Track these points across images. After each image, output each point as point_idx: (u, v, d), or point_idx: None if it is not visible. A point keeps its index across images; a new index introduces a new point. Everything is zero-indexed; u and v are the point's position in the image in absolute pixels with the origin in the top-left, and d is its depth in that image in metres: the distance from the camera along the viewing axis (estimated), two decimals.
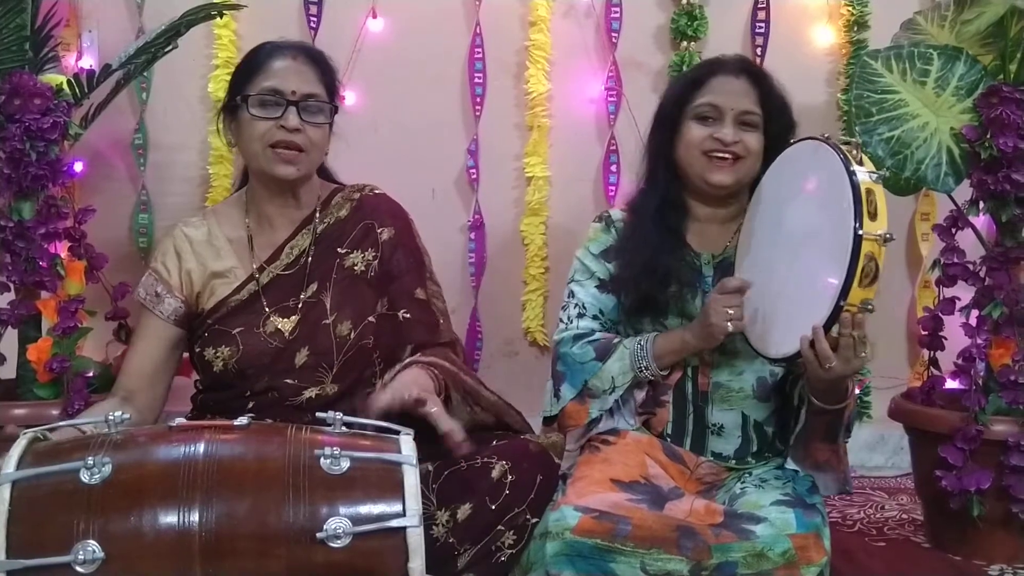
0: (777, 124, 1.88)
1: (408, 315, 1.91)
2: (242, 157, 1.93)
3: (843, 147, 1.64)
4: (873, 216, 1.56)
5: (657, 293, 1.87)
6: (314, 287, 1.88)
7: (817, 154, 1.69)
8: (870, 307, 1.57)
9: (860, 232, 1.54)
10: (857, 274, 1.54)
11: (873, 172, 1.61)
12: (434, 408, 1.69)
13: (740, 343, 1.83)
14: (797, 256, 1.72)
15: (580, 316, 1.94)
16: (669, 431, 1.89)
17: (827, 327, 1.59)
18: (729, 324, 1.74)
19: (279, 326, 1.85)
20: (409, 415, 1.70)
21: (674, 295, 1.87)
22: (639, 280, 1.88)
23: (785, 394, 1.87)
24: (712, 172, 1.87)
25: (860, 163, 1.61)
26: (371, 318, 1.89)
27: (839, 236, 1.57)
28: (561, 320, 1.96)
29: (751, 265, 1.83)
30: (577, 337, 1.91)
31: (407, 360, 1.84)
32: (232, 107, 1.86)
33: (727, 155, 1.85)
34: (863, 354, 1.62)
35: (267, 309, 1.86)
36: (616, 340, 1.89)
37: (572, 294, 1.96)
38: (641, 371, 1.85)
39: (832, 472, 1.81)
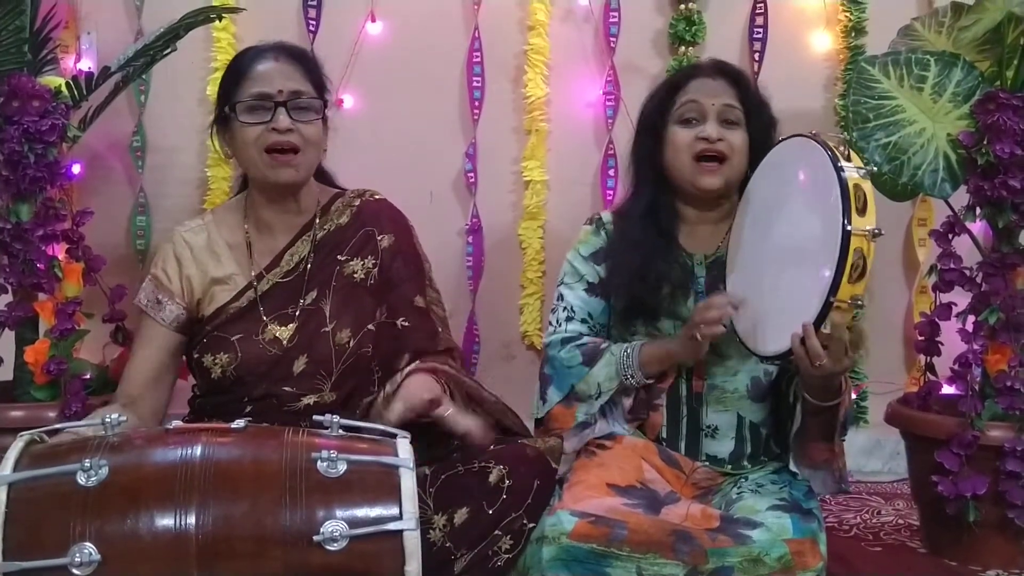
0: (758, 121, 1.90)
1: (407, 323, 1.91)
2: (240, 165, 1.92)
3: (831, 143, 1.65)
4: (861, 212, 1.57)
5: (649, 297, 1.88)
6: (313, 294, 1.88)
7: (805, 151, 1.70)
8: (860, 303, 1.58)
9: (848, 228, 1.54)
10: (846, 269, 1.55)
11: (861, 168, 1.61)
12: (448, 410, 1.70)
13: (732, 343, 1.83)
14: (787, 253, 1.72)
15: (569, 319, 1.94)
16: (664, 434, 1.89)
17: (817, 324, 1.59)
18: (703, 331, 1.73)
19: (277, 334, 1.85)
20: (412, 422, 1.71)
21: (666, 298, 1.88)
22: (631, 284, 1.89)
23: (780, 394, 1.88)
24: (701, 176, 1.88)
25: (848, 159, 1.62)
26: (370, 326, 1.89)
27: (828, 232, 1.58)
28: (550, 323, 1.97)
29: (742, 264, 1.83)
30: (565, 340, 1.91)
31: (407, 368, 1.84)
32: (223, 118, 1.86)
33: (714, 154, 1.86)
34: (856, 353, 1.63)
35: (264, 318, 1.85)
36: (604, 346, 1.89)
37: (561, 297, 1.97)
38: (627, 379, 1.85)
39: (829, 471, 1.81)
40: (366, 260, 1.92)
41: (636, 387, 1.87)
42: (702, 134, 1.86)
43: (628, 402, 1.90)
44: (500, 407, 1.92)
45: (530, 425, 2.01)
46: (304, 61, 1.88)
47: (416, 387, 1.74)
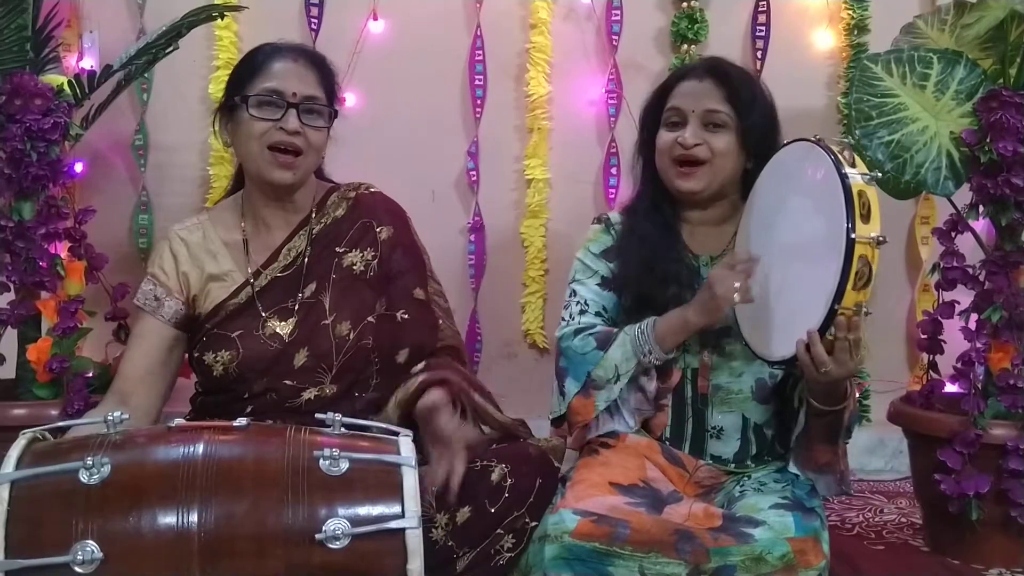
0: (750, 120, 1.87)
1: (406, 316, 1.91)
2: (238, 158, 1.92)
3: (835, 149, 1.63)
4: (866, 218, 1.56)
5: (657, 292, 1.87)
6: (312, 287, 1.88)
7: (809, 156, 1.69)
8: (865, 310, 1.57)
9: (853, 235, 1.53)
10: (851, 277, 1.54)
11: (866, 174, 1.60)
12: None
13: (738, 345, 1.83)
14: (792, 259, 1.71)
15: (582, 313, 1.93)
16: (667, 435, 1.89)
17: (822, 330, 1.59)
18: (736, 296, 1.73)
19: (277, 329, 1.85)
20: (410, 417, 1.71)
21: (673, 297, 1.87)
22: (639, 280, 1.88)
23: (785, 396, 1.87)
24: (680, 180, 1.88)
25: (852, 165, 1.61)
26: (370, 318, 1.89)
27: (832, 239, 1.57)
28: (563, 319, 1.95)
29: None
30: (578, 331, 1.90)
31: (419, 379, 1.80)
32: (230, 107, 1.86)
33: (690, 160, 1.86)
34: (858, 357, 1.62)
35: (263, 314, 1.85)
36: (616, 330, 1.88)
37: (574, 292, 1.96)
38: (644, 355, 1.83)
39: (832, 474, 1.81)
40: (365, 252, 1.92)
41: (655, 365, 1.84)
42: (680, 139, 1.86)
43: (652, 386, 1.86)
44: (507, 424, 1.88)
45: (535, 424, 2.00)
46: (321, 68, 1.89)
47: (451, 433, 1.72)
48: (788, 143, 1.79)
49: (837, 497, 1.92)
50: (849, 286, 1.54)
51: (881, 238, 1.56)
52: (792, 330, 1.63)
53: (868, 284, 1.57)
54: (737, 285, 1.73)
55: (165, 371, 1.88)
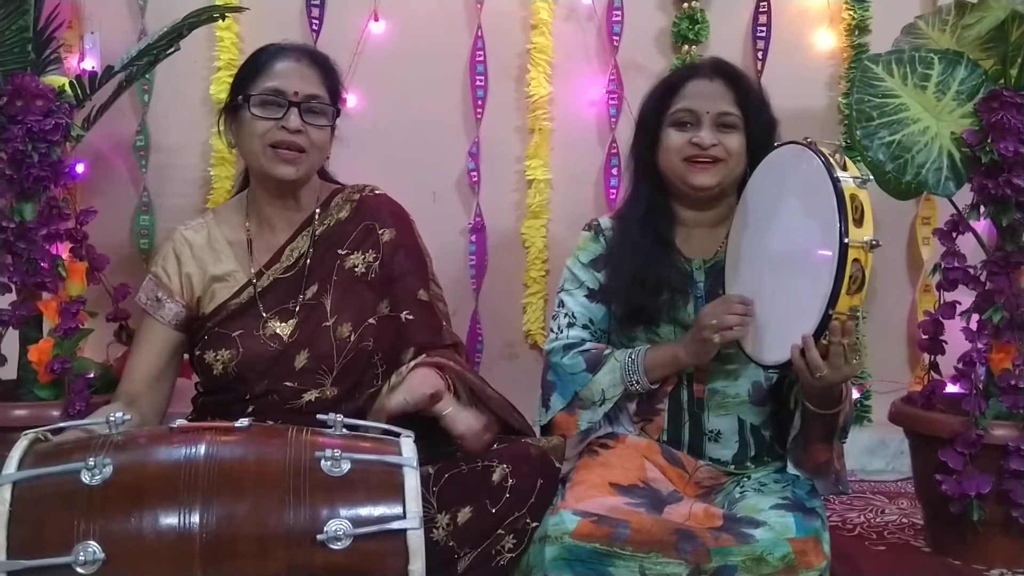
0: (757, 123, 1.88)
1: (411, 316, 1.91)
2: (242, 158, 1.93)
3: (826, 152, 1.62)
4: (859, 222, 1.55)
5: (648, 302, 1.87)
6: (314, 289, 1.88)
7: (800, 160, 1.68)
8: (859, 314, 1.56)
9: (846, 240, 1.53)
10: (844, 282, 1.53)
11: (858, 177, 1.59)
12: (449, 408, 1.70)
13: (734, 349, 1.82)
14: (785, 264, 1.71)
15: (570, 326, 1.93)
16: (665, 439, 1.88)
17: (816, 335, 1.58)
18: (716, 336, 1.74)
19: (277, 330, 1.85)
20: (412, 416, 1.71)
21: (666, 303, 1.87)
22: (630, 290, 1.88)
23: (781, 397, 1.87)
24: (693, 174, 1.87)
25: (844, 168, 1.60)
26: (371, 320, 1.89)
27: (825, 244, 1.56)
28: (551, 330, 1.96)
29: (742, 272, 1.82)
30: (567, 347, 1.91)
31: (413, 361, 1.84)
32: (233, 107, 1.87)
33: (707, 159, 1.85)
34: (854, 362, 1.61)
35: (264, 314, 1.86)
36: (607, 352, 1.88)
37: (562, 304, 1.96)
38: (632, 385, 1.85)
39: (828, 473, 1.81)
40: (367, 254, 1.93)
41: (641, 392, 1.87)
42: (695, 139, 1.85)
43: (632, 406, 1.89)
44: (505, 405, 1.92)
45: (536, 430, 2.00)
46: (324, 67, 1.89)
47: (419, 381, 1.75)
48: (779, 145, 1.79)
49: (837, 496, 1.92)
50: (843, 291, 1.54)
51: (874, 242, 1.55)
52: (787, 335, 1.62)
53: (862, 288, 1.56)
54: (715, 323, 1.74)
55: (170, 373, 1.91)
